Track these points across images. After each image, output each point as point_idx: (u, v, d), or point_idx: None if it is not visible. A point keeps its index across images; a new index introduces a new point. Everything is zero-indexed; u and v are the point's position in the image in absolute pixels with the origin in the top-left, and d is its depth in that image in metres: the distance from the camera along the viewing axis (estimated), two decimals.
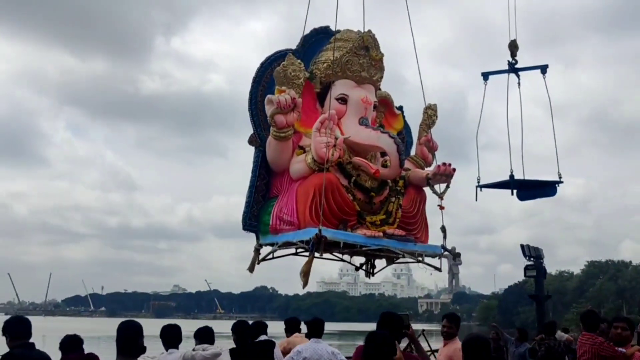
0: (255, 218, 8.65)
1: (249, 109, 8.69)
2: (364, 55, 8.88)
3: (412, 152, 9.67)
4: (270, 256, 8.69)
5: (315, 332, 7.09)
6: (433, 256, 9.00)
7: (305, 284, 7.89)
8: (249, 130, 8.86)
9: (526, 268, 21.24)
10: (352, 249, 8.45)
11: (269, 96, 8.28)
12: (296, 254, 8.60)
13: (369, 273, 9.63)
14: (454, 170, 8.69)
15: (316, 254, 7.85)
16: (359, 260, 9.66)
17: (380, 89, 9.34)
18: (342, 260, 9.24)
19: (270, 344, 7.01)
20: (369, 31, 8.98)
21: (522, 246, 21.09)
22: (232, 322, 7.38)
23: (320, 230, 7.60)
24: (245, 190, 8.80)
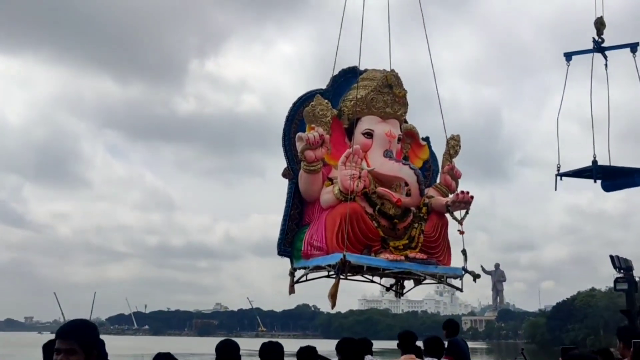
0: (289, 244, 9.47)
1: (283, 145, 9.53)
2: (387, 93, 9.67)
3: (438, 180, 10.30)
4: (304, 279, 9.47)
5: (435, 351, 6.85)
6: (455, 277, 9.65)
7: (333, 305, 8.69)
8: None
9: (616, 281, 19.35)
10: (375, 272, 9.18)
11: (299, 134, 9.10)
12: (328, 276, 9.35)
13: (398, 293, 10.34)
14: (472, 197, 9.35)
15: (342, 277, 8.63)
16: (389, 281, 10.34)
17: (406, 122, 10.08)
18: (372, 281, 9.95)
19: None
20: (392, 70, 9.79)
21: (611, 257, 19.04)
22: (274, 340, 6.68)
23: (344, 256, 8.36)
24: (281, 209, 9.65)
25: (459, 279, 9.69)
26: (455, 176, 10.12)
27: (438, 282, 9.70)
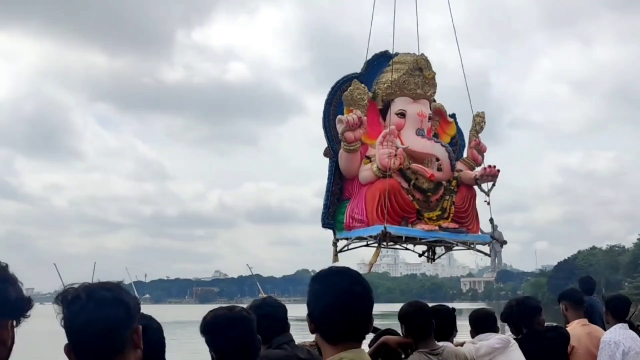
0: (331, 217, 10.26)
1: (323, 127, 10.27)
2: (418, 75, 10.40)
3: (464, 154, 11.02)
4: (346, 248, 10.34)
5: (620, 313, 6.30)
6: (483, 244, 10.51)
7: (369, 271, 9.60)
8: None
9: None
10: (412, 242, 10.03)
11: (339, 117, 9.84)
12: (367, 245, 10.20)
13: (430, 259, 11.21)
14: (498, 171, 10.18)
15: (383, 246, 9.52)
16: (421, 248, 11.17)
17: (434, 101, 10.84)
18: (406, 249, 10.79)
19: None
20: (422, 54, 10.53)
21: None
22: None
23: (385, 227, 9.19)
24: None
25: (486, 245, 10.56)
26: (482, 150, 10.87)
27: (467, 249, 10.56)
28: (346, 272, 2.56)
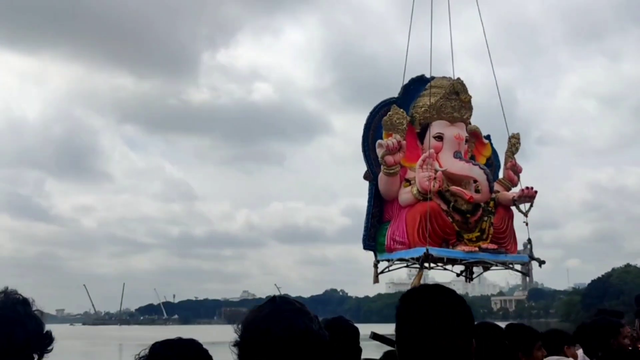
0: (372, 239, 10.50)
1: (363, 150, 10.54)
2: (455, 99, 10.65)
3: (500, 175, 11.19)
4: (387, 270, 10.56)
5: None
6: (522, 264, 10.65)
7: None
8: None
9: None
10: (454, 263, 10.21)
11: (379, 141, 10.10)
12: (407, 266, 10.41)
13: (468, 279, 11.35)
14: (536, 192, 10.33)
15: (425, 268, 9.72)
16: (459, 268, 11.31)
17: (470, 124, 11.05)
18: (444, 269, 10.96)
19: None
20: (458, 78, 10.78)
21: None
22: None
23: (427, 250, 9.40)
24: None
25: (525, 265, 10.70)
26: (517, 171, 11.02)
27: (506, 268, 10.71)
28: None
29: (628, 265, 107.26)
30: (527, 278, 11.36)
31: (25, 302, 2.15)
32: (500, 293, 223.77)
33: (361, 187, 10.76)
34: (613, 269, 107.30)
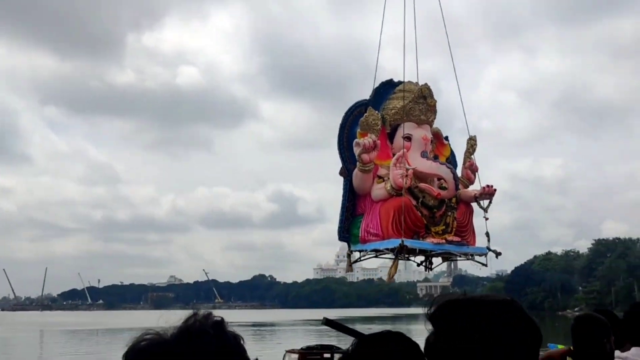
0: (346, 231, 11.33)
1: (338, 148, 11.33)
2: (422, 103, 11.55)
3: (459, 174, 12.05)
4: (360, 259, 11.41)
5: None
6: (480, 255, 11.68)
7: (388, 282, 10.66)
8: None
9: None
10: (424, 254, 11.14)
11: (356, 140, 10.91)
12: (376, 256, 11.29)
13: (428, 268, 12.31)
14: (495, 190, 11.38)
15: (399, 258, 10.61)
16: (419, 258, 12.21)
17: (433, 126, 11.97)
18: (407, 259, 11.86)
19: None
20: (425, 84, 11.69)
21: None
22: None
23: (403, 241, 10.29)
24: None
25: (483, 256, 11.73)
26: (474, 170, 12.02)
27: (466, 259, 11.72)
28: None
29: (549, 253, 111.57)
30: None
31: None
32: (426, 279, 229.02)
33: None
34: (535, 257, 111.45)
